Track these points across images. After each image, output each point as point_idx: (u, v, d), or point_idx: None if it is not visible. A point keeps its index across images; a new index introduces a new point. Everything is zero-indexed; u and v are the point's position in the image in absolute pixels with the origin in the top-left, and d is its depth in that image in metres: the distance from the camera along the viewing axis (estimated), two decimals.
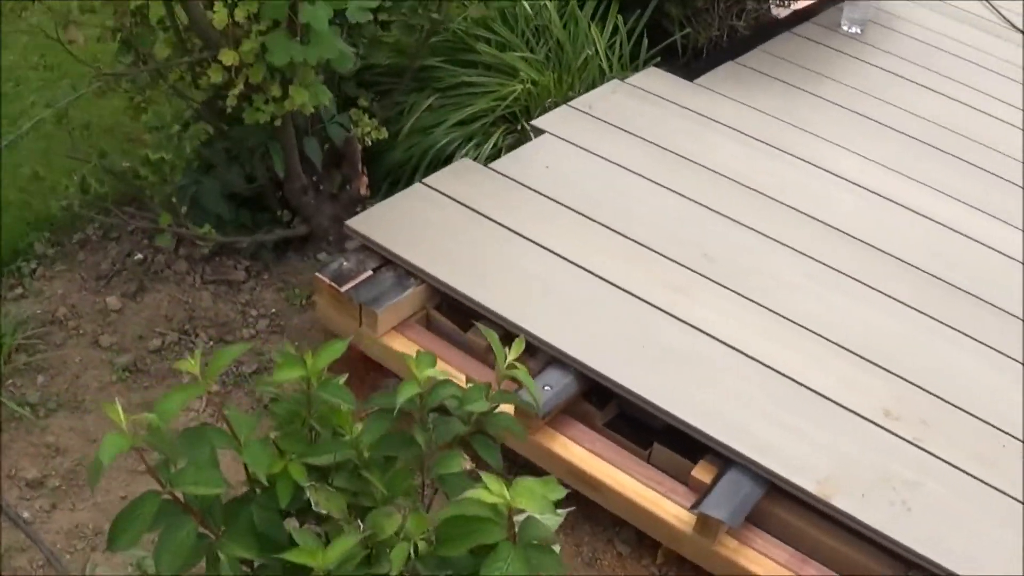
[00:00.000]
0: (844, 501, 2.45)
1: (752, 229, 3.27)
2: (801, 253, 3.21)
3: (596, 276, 2.94)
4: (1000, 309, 3.17)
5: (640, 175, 3.40)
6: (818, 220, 3.37)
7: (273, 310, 3.19)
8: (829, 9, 4.77)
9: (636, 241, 3.11)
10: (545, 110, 3.68)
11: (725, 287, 3.00)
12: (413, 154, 3.62)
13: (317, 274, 2.85)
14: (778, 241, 3.24)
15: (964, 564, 2.38)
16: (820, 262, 3.18)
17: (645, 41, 4.06)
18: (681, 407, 2.60)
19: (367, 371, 2.90)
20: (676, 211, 3.29)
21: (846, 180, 3.61)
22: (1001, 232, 3.53)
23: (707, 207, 3.32)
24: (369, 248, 2.94)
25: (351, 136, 3.25)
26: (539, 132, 3.53)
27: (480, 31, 3.84)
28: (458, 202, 3.12)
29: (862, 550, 2.47)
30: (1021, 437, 2.72)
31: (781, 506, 2.52)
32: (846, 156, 3.75)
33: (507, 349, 1.86)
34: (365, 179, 3.37)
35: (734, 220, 3.29)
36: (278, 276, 3.30)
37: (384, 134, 3.34)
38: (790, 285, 3.07)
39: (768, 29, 4.51)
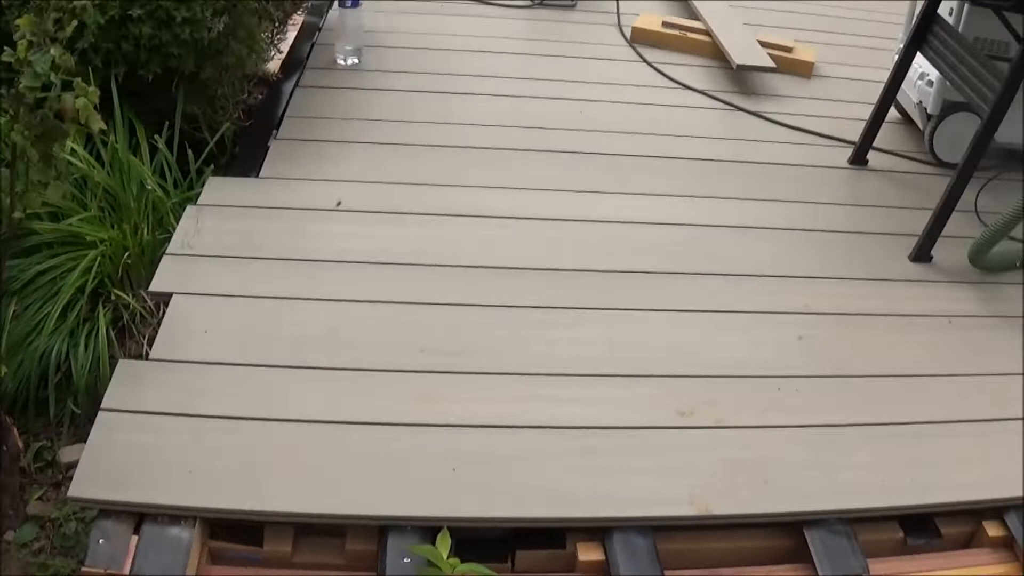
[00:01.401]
0: (721, 506, 2.53)
1: (451, 304, 3.14)
2: (504, 306, 3.16)
3: (347, 423, 2.66)
4: (695, 274, 3.41)
5: (303, 298, 3.10)
6: (496, 267, 3.33)
7: None
8: (311, 49, 4.55)
9: (350, 368, 2.84)
10: (132, 268, 3.22)
11: (467, 372, 2.87)
12: (28, 376, 2.98)
13: (86, 568, 2.27)
14: (480, 306, 3.15)
15: (835, 499, 2.59)
16: (526, 306, 3.17)
17: (189, 152, 3.65)
18: (524, 505, 2.49)
19: None
20: (364, 319, 3.05)
21: (498, 217, 3.59)
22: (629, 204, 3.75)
23: (395, 302, 3.12)
24: (116, 512, 2.39)
25: None
26: (163, 297, 3.04)
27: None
28: (161, 414, 2.63)
29: (752, 536, 2.57)
30: (784, 374, 2.99)
31: (670, 540, 2.51)
32: (468, 192, 3.73)
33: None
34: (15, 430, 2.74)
35: (433, 304, 3.13)
36: None
37: None
38: (520, 339, 3.02)
39: (277, 89, 4.25)
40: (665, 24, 5.19)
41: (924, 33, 3.96)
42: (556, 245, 3.46)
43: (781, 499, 2.57)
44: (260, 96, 4.13)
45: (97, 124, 2.75)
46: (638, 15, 5.34)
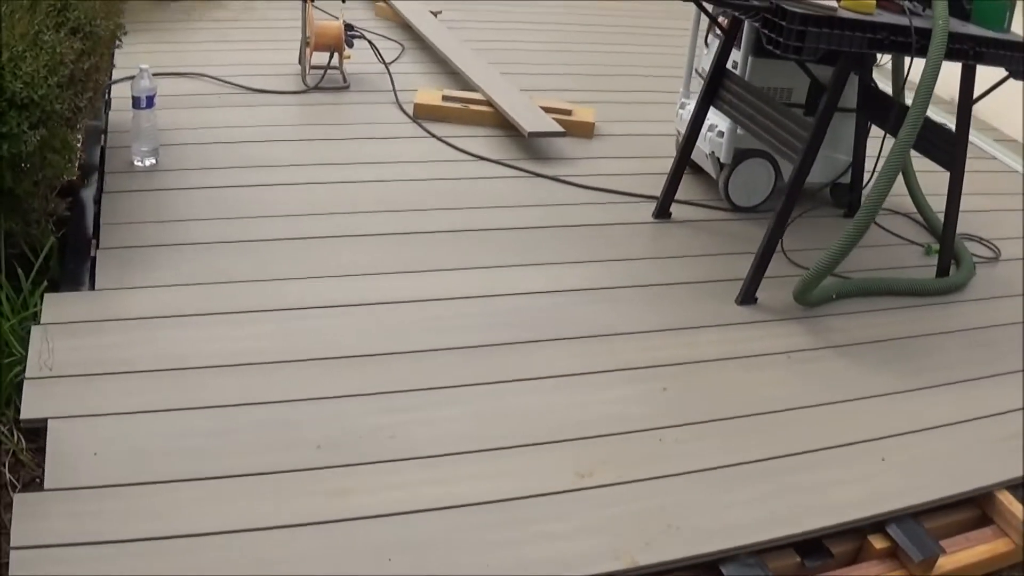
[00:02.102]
0: (645, 556, 2.63)
1: (331, 397, 3.11)
2: (381, 393, 3.16)
3: (271, 528, 2.59)
4: (543, 340, 3.50)
5: (179, 408, 2.98)
6: (354, 356, 3.33)
7: None
8: (102, 153, 4.41)
9: (253, 473, 2.76)
10: None
11: (369, 463, 2.85)
12: None
13: None
14: (361, 395, 3.14)
15: (736, 536, 2.74)
16: (400, 391, 3.17)
17: (20, 271, 3.48)
18: None
19: None
20: (246, 422, 2.97)
21: (337, 306, 3.57)
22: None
23: (271, 402, 3.06)
24: None
25: None
26: (37, 423, 2.86)
27: None
28: (72, 545, 2.46)
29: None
30: (661, 425, 3.14)
31: None
32: (299, 284, 3.70)
33: None
34: None
35: (312, 399, 3.10)
36: None
37: None
38: (403, 424, 3.04)
39: (79, 197, 4.08)
40: (446, 97, 5.28)
41: (715, 87, 4.19)
42: (401, 327, 3.48)
43: (694, 542, 2.70)
44: (65, 206, 3.92)
45: None
46: (415, 91, 5.40)
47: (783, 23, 3.49)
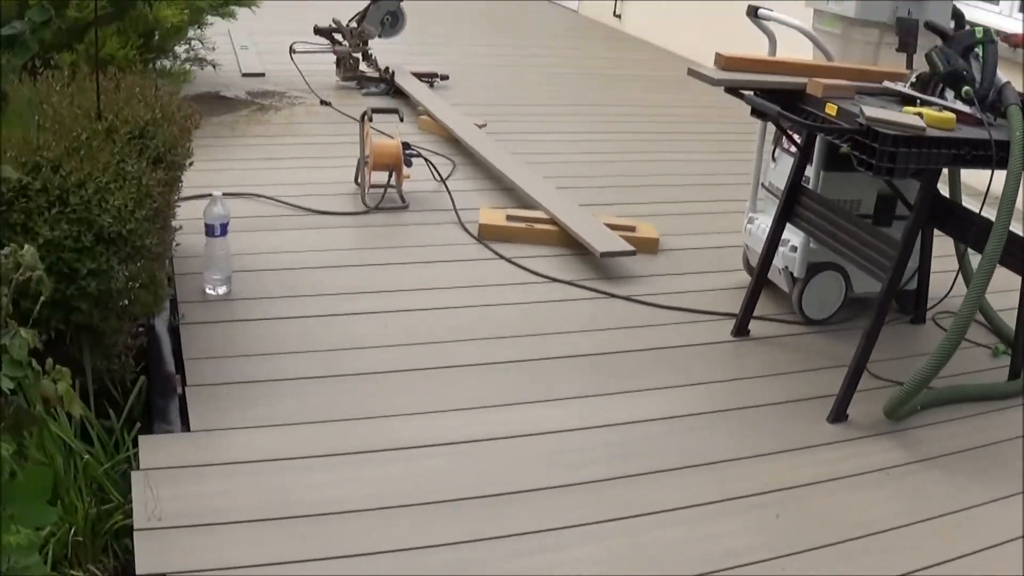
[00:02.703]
0: None
1: (467, 542, 3.05)
2: (508, 536, 3.12)
3: None
4: (646, 474, 3.49)
5: (304, 560, 2.90)
6: (477, 497, 3.28)
7: None
8: (170, 281, 4.36)
9: None
10: (80, 546, 2.97)
11: None
12: None
13: None
14: (491, 539, 3.10)
15: None
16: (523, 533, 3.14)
17: (111, 412, 3.44)
18: None
19: None
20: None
21: (440, 444, 3.52)
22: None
23: (398, 550, 2.98)
24: None
25: None
26: None
27: None
28: None
29: None
30: (782, 553, 3.09)
31: None
32: (402, 420, 3.64)
33: None
34: None
35: (444, 544, 3.03)
36: None
37: None
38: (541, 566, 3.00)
39: (153, 328, 4.07)
40: (510, 217, 5.28)
41: (792, 204, 4.19)
42: (514, 463, 3.44)
43: None
44: (139, 337, 3.90)
45: (78, 409, 2.56)
46: (474, 209, 5.42)
47: (875, 144, 3.49)
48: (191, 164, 4.26)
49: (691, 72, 4.25)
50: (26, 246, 2.47)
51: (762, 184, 4.83)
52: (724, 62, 4.16)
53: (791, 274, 4.53)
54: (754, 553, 3.07)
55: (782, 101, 3.99)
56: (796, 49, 4.70)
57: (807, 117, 3.93)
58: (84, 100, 3.96)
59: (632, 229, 5.28)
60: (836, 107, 3.77)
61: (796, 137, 4.32)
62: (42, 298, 2.58)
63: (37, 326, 3.08)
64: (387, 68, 8.01)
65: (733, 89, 4.14)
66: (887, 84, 4.05)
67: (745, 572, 2.99)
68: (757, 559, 3.05)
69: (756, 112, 4.13)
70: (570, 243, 5.18)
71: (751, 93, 4.05)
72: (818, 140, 4.24)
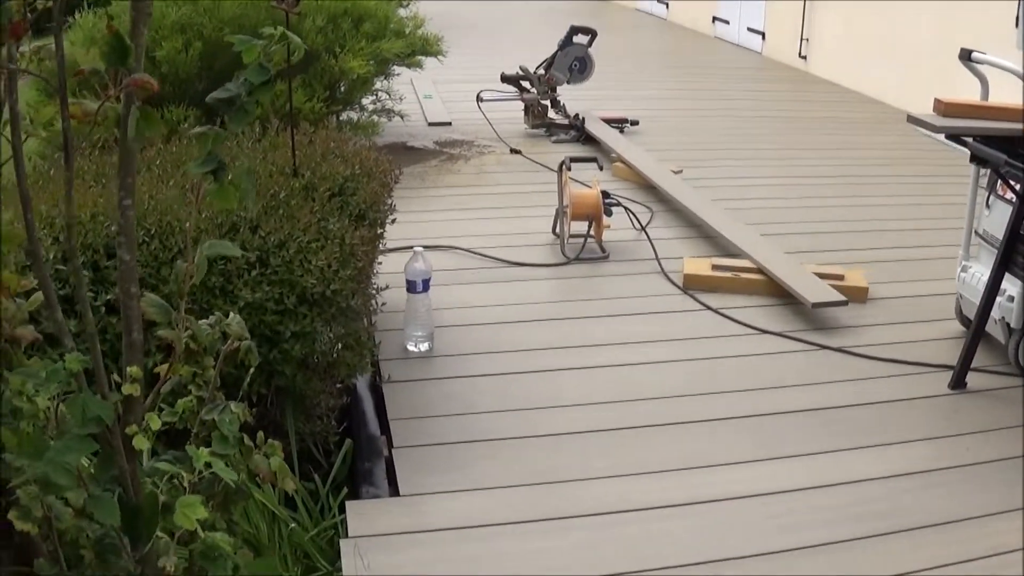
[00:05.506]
0: None
1: None
2: None
3: None
4: (891, 533, 3.19)
5: None
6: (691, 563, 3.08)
7: None
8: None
9: None
10: None
11: None
12: None
13: None
14: None
15: None
16: None
17: (316, 477, 3.37)
18: None
19: None
20: None
21: (663, 507, 3.34)
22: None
23: None
24: None
25: None
26: None
27: None
28: None
29: None
30: None
31: None
32: (609, 483, 3.47)
33: None
34: None
35: None
36: None
37: None
38: None
39: (353, 387, 3.95)
40: (715, 267, 5.06)
41: (1011, 253, 3.95)
42: (740, 526, 3.24)
43: None
44: (340, 397, 3.81)
45: (292, 485, 2.46)
46: (676, 258, 5.23)
47: None
48: (393, 221, 4.18)
49: (911, 119, 4.12)
50: (231, 314, 2.38)
51: (975, 231, 4.54)
52: (944, 108, 4.01)
53: (1007, 324, 4.23)
54: None
55: (1005, 148, 3.82)
56: (1002, 93, 4.41)
57: None
58: (278, 157, 3.91)
59: (840, 278, 4.98)
60: None
61: (1015, 184, 4.05)
62: (251, 369, 2.48)
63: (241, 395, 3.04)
64: (577, 114, 7.89)
65: (954, 136, 4.00)
66: None
67: None
68: None
69: (976, 159, 3.95)
70: (777, 292, 4.92)
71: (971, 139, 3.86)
72: None
